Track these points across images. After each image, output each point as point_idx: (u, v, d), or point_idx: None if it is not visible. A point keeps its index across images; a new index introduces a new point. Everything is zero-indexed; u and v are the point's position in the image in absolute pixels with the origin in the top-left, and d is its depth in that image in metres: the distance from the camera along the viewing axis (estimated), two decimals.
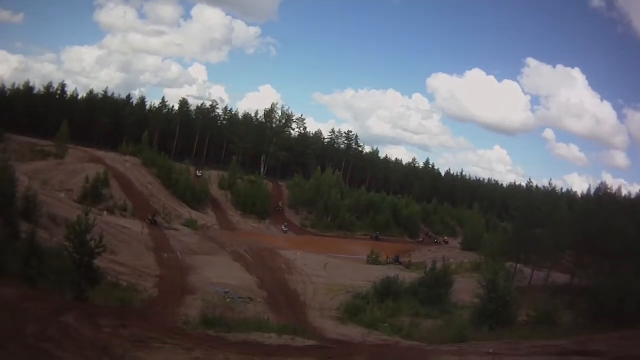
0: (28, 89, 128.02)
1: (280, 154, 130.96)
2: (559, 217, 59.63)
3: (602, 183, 66.82)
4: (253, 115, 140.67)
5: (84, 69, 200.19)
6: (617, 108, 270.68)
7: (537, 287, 54.69)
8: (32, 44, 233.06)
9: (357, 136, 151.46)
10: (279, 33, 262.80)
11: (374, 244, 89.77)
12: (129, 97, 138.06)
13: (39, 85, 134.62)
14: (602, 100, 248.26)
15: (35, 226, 38.81)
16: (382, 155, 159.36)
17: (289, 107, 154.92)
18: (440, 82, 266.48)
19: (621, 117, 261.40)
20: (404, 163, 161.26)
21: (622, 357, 17.28)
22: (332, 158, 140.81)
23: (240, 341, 19.53)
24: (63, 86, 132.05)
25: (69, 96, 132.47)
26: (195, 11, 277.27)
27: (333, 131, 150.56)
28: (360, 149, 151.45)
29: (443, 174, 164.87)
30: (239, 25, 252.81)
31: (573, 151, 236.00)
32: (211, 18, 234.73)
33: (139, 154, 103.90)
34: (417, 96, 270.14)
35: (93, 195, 74.96)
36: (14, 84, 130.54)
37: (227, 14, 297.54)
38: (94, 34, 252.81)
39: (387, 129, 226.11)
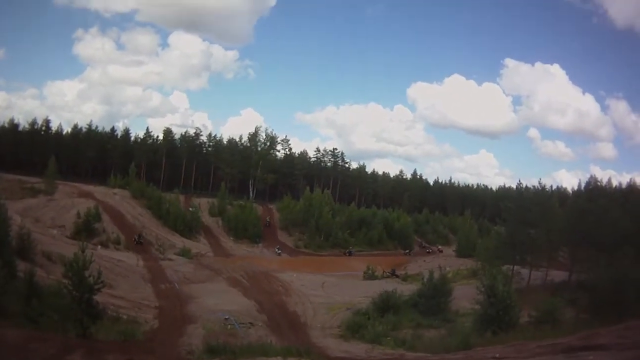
0: (13, 126, 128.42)
1: (267, 176, 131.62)
2: (551, 216, 59.76)
3: (591, 176, 67.08)
4: (237, 139, 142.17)
5: (67, 103, 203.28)
6: (600, 100, 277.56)
7: (536, 287, 54.73)
8: (13, 80, 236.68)
9: (342, 153, 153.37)
10: (256, 55, 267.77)
11: (360, 259, 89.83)
12: (112, 129, 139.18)
13: (22, 121, 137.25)
14: (583, 93, 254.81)
15: (31, 265, 38.65)
16: (369, 169, 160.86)
17: (272, 129, 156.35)
18: (420, 91, 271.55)
19: (604, 109, 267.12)
20: (391, 175, 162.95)
21: (628, 347, 17.33)
22: (319, 176, 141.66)
23: None
24: (47, 122, 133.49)
25: (53, 131, 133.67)
26: (172, 38, 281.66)
27: (318, 150, 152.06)
28: (347, 165, 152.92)
29: (431, 183, 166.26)
30: (216, 50, 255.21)
31: (559, 147, 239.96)
32: (188, 44, 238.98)
33: (127, 187, 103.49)
34: (398, 107, 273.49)
35: (85, 230, 74.77)
36: None
37: (204, 40, 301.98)
38: (74, 67, 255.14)
39: (372, 142, 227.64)
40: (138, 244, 78.42)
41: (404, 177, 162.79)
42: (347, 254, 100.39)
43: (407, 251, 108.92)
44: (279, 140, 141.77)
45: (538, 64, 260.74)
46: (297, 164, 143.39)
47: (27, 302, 27.38)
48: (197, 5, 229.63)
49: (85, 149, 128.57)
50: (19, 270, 34.85)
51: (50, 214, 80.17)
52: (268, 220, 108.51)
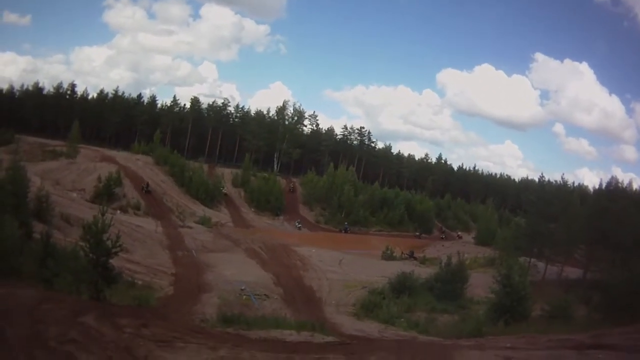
0: (37, 89, 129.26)
1: (292, 150, 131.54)
2: (571, 212, 59.49)
3: (612, 177, 66.49)
4: (265, 112, 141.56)
5: (94, 68, 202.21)
6: (625, 102, 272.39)
7: (550, 281, 54.68)
8: (40, 45, 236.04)
9: (369, 132, 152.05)
10: (288, 31, 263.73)
11: (379, 239, 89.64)
12: (139, 96, 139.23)
13: (48, 85, 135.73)
14: (610, 94, 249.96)
15: (49, 227, 38.87)
16: (394, 150, 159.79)
17: (301, 104, 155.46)
18: (449, 77, 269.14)
19: (629, 111, 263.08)
20: (416, 158, 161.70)
21: (638, 350, 17.42)
22: (345, 154, 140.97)
23: (261, 338, 19.66)
24: (73, 86, 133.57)
25: (79, 96, 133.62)
26: (204, 10, 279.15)
27: (345, 127, 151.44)
28: (373, 144, 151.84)
29: (455, 168, 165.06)
30: (248, 24, 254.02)
31: (583, 145, 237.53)
32: (220, 17, 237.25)
33: (151, 153, 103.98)
34: (427, 92, 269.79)
35: (106, 194, 74.79)
36: (22, 85, 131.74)
37: (236, 13, 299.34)
38: (103, 34, 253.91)
39: (399, 124, 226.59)
40: (146, 192, 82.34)
41: (429, 160, 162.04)
42: (344, 231, 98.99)
43: (418, 234, 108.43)
44: (306, 115, 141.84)
45: (567, 61, 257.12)
46: (323, 140, 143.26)
47: (42, 263, 27.52)
48: None
49: (110, 114, 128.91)
50: (36, 231, 35.19)
51: (71, 177, 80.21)
52: (292, 186, 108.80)
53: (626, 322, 24.47)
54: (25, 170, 46.30)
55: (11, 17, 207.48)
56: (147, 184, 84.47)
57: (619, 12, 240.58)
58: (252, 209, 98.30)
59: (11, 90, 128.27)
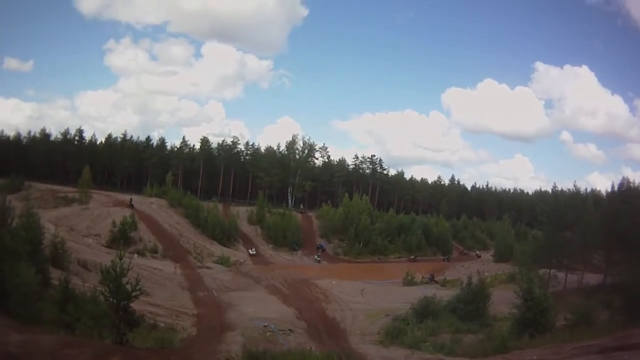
0: (44, 135, 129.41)
1: (305, 184, 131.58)
2: (586, 218, 59.44)
3: (623, 178, 66.25)
4: (275, 147, 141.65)
5: (100, 113, 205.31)
6: (628, 101, 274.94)
7: (571, 290, 54.51)
8: (44, 91, 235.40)
9: (380, 160, 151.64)
10: (290, 64, 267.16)
11: (399, 266, 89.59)
12: (148, 138, 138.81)
13: (54, 131, 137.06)
14: (612, 94, 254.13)
15: (66, 273, 39.07)
16: (407, 176, 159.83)
17: (310, 137, 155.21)
18: (454, 96, 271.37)
19: (633, 110, 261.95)
20: (429, 182, 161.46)
21: None
22: (358, 183, 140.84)
23: None
24: (80, 132, 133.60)
25: (87, 141, 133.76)
26: (205, 49, 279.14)
27: (357, 157, 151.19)
28: (385, 172, 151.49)
29: (469, 188, 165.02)
30: (251, 60, 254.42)
31: (591, 150, 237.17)
32: (222, 54, 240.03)
33: (163, 195, 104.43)
34: (433, 113, 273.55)
35: (121, 238, 74.75)
36: (29, 132, 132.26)
37: (238, 50, 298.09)
38: (107, 77, 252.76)
39: (409, 149, 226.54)
40: (130, 206, 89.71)
41: (442, 182, 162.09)
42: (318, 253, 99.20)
43: (446, 257, 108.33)
44: (316, 147, 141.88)
45: (567, 67, 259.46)
46: (335, 171, 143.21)
47: (62, 308, 27.67)
48: (229, 16, 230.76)
49: (119, 158, 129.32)
50: (53, 278, 35.48)
51: (85, 222, 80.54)
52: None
53: None
54: (39, 217, 46.65)
55: (13, 63, 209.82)
56: (131, 200, 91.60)
57: (612, 11, 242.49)
58: (270, 246, 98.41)
59: (18, 137, 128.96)
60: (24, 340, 19.18)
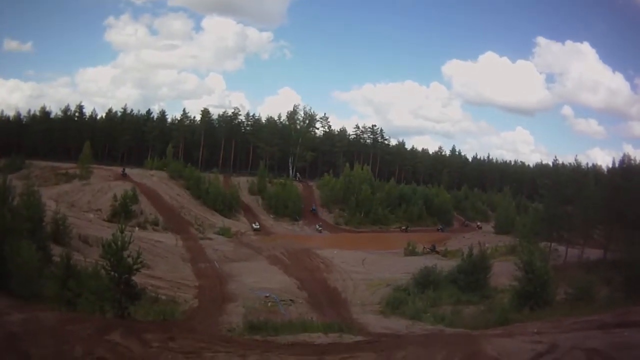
0: (44, 113, 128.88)
1: (306, 154, 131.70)
2: (587, 193, 59.42)
3: (624, 155, 66.09)
4: (276, 118, 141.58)
5: (100, 89, 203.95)
6: (629, 78, 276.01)
7: (572, 264, 54.44)
8: (43, 70, 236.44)
9: (381, 129, 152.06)
10: (291, 36, 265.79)
11: (400, 236, 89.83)
12: (149, 112, 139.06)
13: (55, 109, 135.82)
14: (613, 72, 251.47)
15: (67, 249, 38.94)
16: (408, 146, 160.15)
17: (311, 107, 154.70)
18: (455, 68, 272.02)
19: (634, 87, 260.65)
20: (430, 152, 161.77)
21: None
22: (359, 154, 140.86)
23: (290, 343, 19.79)
24: (81, 107, 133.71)
25: (87, 117, 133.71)
26: (206, 22, 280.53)
27: (357, 127, 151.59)
28: (386, 142, 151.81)
29: (470, 159, 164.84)
30: (251, 32, 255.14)
31: (592, 125, 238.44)
32: (222, 27, 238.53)
33: (164, 168, 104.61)
34: (434, 85, 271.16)
35: (122, 212, 74.92)
36: (29, 111, 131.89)
37: (238, 22, 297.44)
38: (107, 53, 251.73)
39: (409, 119, 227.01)
40: (123, 176, 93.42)
41: (443, 153, 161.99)
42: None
43: (440, 228, 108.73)
44: (317, 117, 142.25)
45: (569, 42, 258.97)
46: (336, 141, 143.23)
47: (63, 285, 27.60)
48: None
49: (120, 132, 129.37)
50: (55, 254, 35.26)
51: (86, 198, 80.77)
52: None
53: None
54: (40, 194, 46.68)
55: (12, 45, 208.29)
56: (123, 169, 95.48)
57: None
58: (271, 216, 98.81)
59: (18, 116, 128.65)
60: (25, 319, 19.20)
